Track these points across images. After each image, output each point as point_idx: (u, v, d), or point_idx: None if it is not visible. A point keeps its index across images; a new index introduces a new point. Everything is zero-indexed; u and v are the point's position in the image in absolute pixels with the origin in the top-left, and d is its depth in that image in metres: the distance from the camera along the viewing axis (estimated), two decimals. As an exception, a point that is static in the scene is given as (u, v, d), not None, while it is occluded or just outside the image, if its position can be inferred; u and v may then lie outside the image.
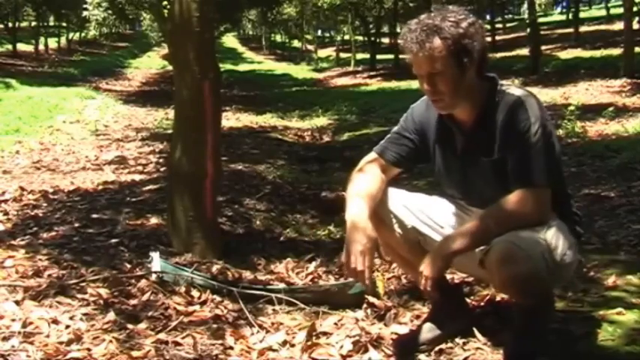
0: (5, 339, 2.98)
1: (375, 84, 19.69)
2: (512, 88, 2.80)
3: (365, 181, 2.90)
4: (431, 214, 3.00)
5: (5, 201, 5.62)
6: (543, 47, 19.51)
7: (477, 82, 2.75)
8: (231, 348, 3.12)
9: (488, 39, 24.39)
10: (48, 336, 3.05)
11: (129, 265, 3.97)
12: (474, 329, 3.09)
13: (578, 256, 2.84)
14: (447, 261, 2.71)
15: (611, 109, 8.91)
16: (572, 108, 8.19)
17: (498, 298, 3.42)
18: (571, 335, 2.98)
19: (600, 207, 4.89)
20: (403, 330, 3.22)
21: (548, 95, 12.24)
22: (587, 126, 8.26)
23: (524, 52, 20.30)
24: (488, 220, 2.69)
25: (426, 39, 2.63)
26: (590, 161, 6.53)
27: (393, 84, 18.84)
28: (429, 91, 2.74)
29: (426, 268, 2.70)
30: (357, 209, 2.75)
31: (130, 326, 3.21)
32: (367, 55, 26.59)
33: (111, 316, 3.27)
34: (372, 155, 3.02)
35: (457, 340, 3.03)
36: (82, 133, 9.89)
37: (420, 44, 2.64)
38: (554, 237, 2.65)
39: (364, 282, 2.67)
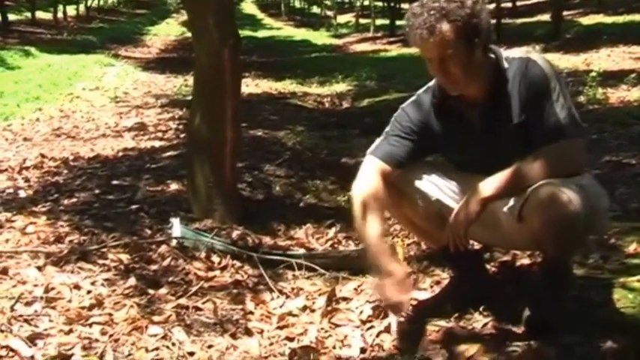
0: (28, 304, 3.01)
1: (395, 50, 19.52)
2: (515, 51, 2.78)
3: (372, 214, 2.83)
4: (453, 185, 2.97)
5: (26, 168, 5.65)
6: (565, 13, 19.22)
7: (484, 57, 2.71)
8: (252, 313, 3.14)
9: (509, 4, 24.15)
10: (70, 301, 3.08)
11: (149, 231, 3.99)
12: (494, 295, 3.08)
13: (607, 210, 2.83)
14: (483, 205, 2.66)
15: (633, 75, 8.78)
16: (593, 74, 8.09)
17: (518, 264, 3.41)
18: (591, 302, 2.96)
19: (621, 174, 4.84)
20: (423, 296, 3.22)
21: (569, 62, 12.09)
22: (609, 93, 8.16)
23: (546, 17, 20.02)
24: (524, 169, 2.64)
25: (435, 23, 2.58)
26: (611, 128, 6.46)
27: (413, 50, 18.67)
28: (441, 75, 2.71)
29: (462, 210, 2.67)
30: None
31: (150, 291, 3.23)
32: (387, 21, 26.34)
33: (132, 281, 3.30)
34: (371, 161, 2.93)
35: (477, 306, 3.02)
36: (102, 100, 9.90)
37: (429, 30, 2.58)
38: (589, 184, 2.66)
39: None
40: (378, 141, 2.96)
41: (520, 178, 2.64)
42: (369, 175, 2.88)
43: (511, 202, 2.73)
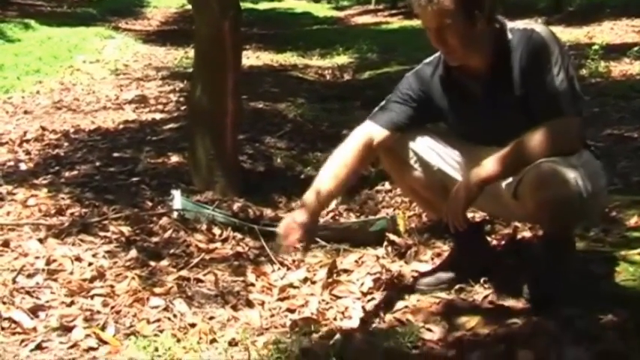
0: (30, 276, 3.02)
1: (396, 22, 19.41)
2: (520, 23, 2.74)
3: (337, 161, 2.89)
4: (455, 155, 2.96)
5: (27, 141, 5.64)
6: (567, -16, 19.14)
7: (487, 30, 2.69)
8: (253, 285, 3.14)
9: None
10: (71, 273, 3.09)
11: (150, 203, 4.00)
12: (495, 268, 3.08)
13: (606, 188, 2.82)
14: (479, 187, 2.65)
15: (636, 48, 8.73)
16: (596, 48, 8.05)
17: (519, 236, 3.41)
18: (592, 275, 2.96)
19: (623, 147, 4.83)
20: (424, 268, 3.22)
21: (571, 35, 12.03)
22: (612, 66, 8.12)
23: (548, -11, 19.93)
24: (521, 148, 2.64)
25: None
26: (613, 101, 6.43)
27: (415, 22, 18.54)
28: (439, 45, 2.69)
29: (458, 193, 2.66)
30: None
31: (152, 263, 3.24)
32: (388, -7, 26.20)
33: (133, 253, 3.31)
34: (366, 125, 2.95)
35: (477, 278, 3.02)
36: (102, 73, 9.86)
37: None
38: (587, 163, 2.64)
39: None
40: (377, 107, 2.97)
41: (517, 158, 2.63)
42: (355, 134, 2.94)
43: (509, 178, 2.73)
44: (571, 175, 2.52)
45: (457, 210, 2.67)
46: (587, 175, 2.58)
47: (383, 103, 2.96)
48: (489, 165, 2.63)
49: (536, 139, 2.61)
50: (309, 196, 2.82)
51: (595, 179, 2.64)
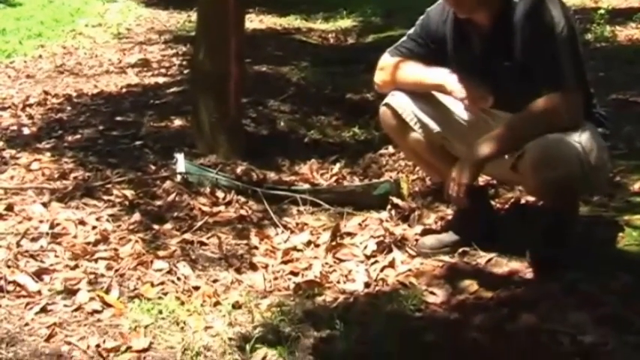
0: (34, 240, 3.03)
1: (401, -15, 19.28)
2: None
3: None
4: (456, 118, 2.95)
5: (30, 105, 5.62)
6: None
7: None
8: (256, 248, 3.15)
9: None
10: (75, 237, 3.10)
11: (153, 167, 4.00)
12: (499, 232, 3.08)
13: (610, 161, 2.80)
14: (479, 167, 2.68)
15: (642, 13, 8.65)
16: (601, 12, 7.96)
17: (523, 201, 3.41)
18: (595, 240, 2.96)
19: (628, 112, 4.80)
20: (427, 231, 3.22)
21: (577, -1, 11.92)
22: (617, 30, 8.04)
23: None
24: (520, 124, 2.64)
25: None
26: (618, 66, 6.39)
27: (419, -15, 18.43)
28: None
29: (458, 175, 2.67)
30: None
31: (155, 227, 3.25)
32: (393, -45, 25.98)
33: (136, 216, 3.31)
34: (386, 56, 3.01)
35: (480, 242, 3.02)
36: (105, 37, 9.80)
37: None
38: (588, 140, 2.60)
39: None
40: (397, 43, 3.02)
41: (516, 134, 2.63)
42: (387, 57, 3.01)
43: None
44: (571, 153, 2.52)
45: (457, 191, 2.68)
46: (588, 149, 2.57)
47: (404, 38, 3.00)
48: (490, 142, 2.64)
49: (535, 114, 2.61)
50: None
51: (597, 152, 2.62)
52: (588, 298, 2.50)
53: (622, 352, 2.18)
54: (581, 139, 2.58)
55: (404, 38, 3.01)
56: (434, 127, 2.93)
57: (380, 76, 3.03)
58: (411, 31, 2.99)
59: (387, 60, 3.01)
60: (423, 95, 2.93)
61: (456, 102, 2.90)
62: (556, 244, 2.72)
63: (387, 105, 2.97)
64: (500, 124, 2.73)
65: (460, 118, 2.94)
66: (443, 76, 2.82)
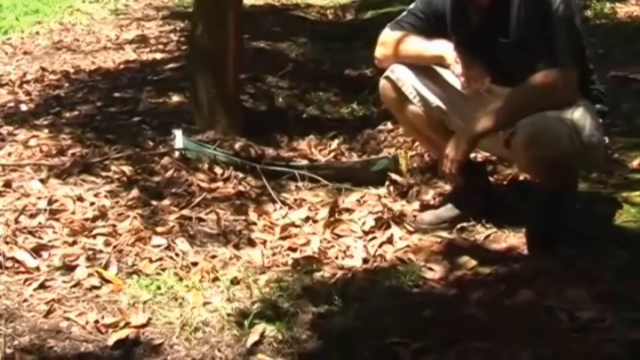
0: (32, 216, 3.03)
1: (400, -40, 19.19)
2: None
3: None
4: (455, 92, 2.94)
5: (27, 82, 5.60)
6: None
7: None
8: (255, 224, 3.15)
9: None
10: (73, 213, 3.10)
11: (152, 143, 3.99)
12: (497, 207, 3.08)
13: (604, 139, 2.79)
14: (472, 143, 2.69)
15: (642, -11, 8.60)
16: (602, -12, 7.95)
17: (521, 177, 3.40)
18: (593, 216, 2.96)
19: (627, 89, 4.79)
20: (425, 207, 3.22)
21: (577, -28, 11.85)
22: (617, 7, 8.00)
23: None
24: (515, 100, 2.64)
25: None
26: (618, 43, 6.36)
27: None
28: None
29: (451, 151, 2.67)
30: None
31: (153, 203, 3.25)
32: None
33: (135, 193, 3.31)
34: (387, 31, 3.00)
35: (479, 218, 3.02)
36: (102, 13, 9.74)
37: None
38: (581, 118, 2.59)
39: None
40: (399, 17, 3.01)
41: (511, 111, 2.63)
42: (387, 31, 3.00)
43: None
44: (562, 131, 2.51)
45: (451, 168, 2.69)
46: (581, 127, 2.57)
47: (404, 13, 2.99)
48: (484, 120, 2.65)
49: (531, 91, 2.61)
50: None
51: (590, 130, 2.61)
52: (586, 275, 2.50)
53: (620, 328, 2.18)
54: (573, 116, 2.57)
55: (404, 13, 3.00)
56: (433, 100, 2.93)
57: (380, 51, 3.02)
58: (412, 5, 2.98)
59: (387, 34, 2.99)
60: (423, 69, 2.92)
61: (454, 76, 2.90)
62: (554, 221, 2.71)
63: (387, 78, 2.96)
64: (498, 99, 2.72)
65: (459, 92, 2.92)
66: (444, 49, 2.81)
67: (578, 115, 2.59)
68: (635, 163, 3.49)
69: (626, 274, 2.49)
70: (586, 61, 2.75)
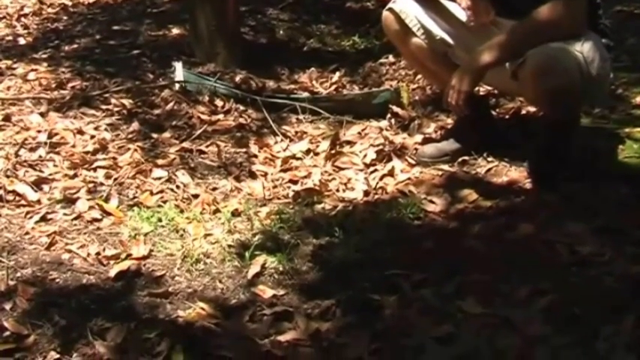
0: (32, 149, 3.04)
1: None
2: None
3: None
4: (459, 24, 2.90)
5: (25, 15, 5.53)
6: None
7: None
8: (255, 156, 3.15)
9: None
10: (74, 146, 3.10)
11: (152, 76, 3.97)
12: (499, 141, 3.07)
13: (610, 74, 2.77)
14: (479, 74, 2.66)
15: None
16: None
17: (524, 112, 3.38)
18: (595, 152, 2.95)
19: (632, 24, 4.73)
20: (427, 140, 3.21)
21: None
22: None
23: None
24: (522, 32, 2.60)
25: None
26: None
27: None
28: None
29: (457, 82, 2.65)
30: None
31: (154, 135, 3.25)
32: None
33: (135, 125, 3.31)
34: None
35: (480, 151, 3.02)
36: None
37: None
38: (591, 50, 2.56)
39: None
40: None
41: (518, 42, 2.59)
42: None
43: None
44: (572, 62, 2.49)
45: (457, 96, 2.66)
46: (590, 59, 2.54)
47: None
48: (491, 51, 2.61)
49: (538, 22, 2.57)
50: None
51: (598, 63, 2.59)
52: (587, 209, 2.50)
53: (619, 262, 2.19)
54: (582, 48, 2.54)
55: None
56: (437, 33, 2.89)
57: None
58: None
59: None
60: (427, 1, 2.89)
61: (459, 9, 2.86)
62: (556, 156, 2.70)
63: (390, 9, 2.93)
64: (503, 31, 2.69)
65: (463, 25, 2.88)
66: None
67: (587, 47, 2.56)
68: (638, 99, 3.46)
69: (627, 210, 2.49)
70: None
